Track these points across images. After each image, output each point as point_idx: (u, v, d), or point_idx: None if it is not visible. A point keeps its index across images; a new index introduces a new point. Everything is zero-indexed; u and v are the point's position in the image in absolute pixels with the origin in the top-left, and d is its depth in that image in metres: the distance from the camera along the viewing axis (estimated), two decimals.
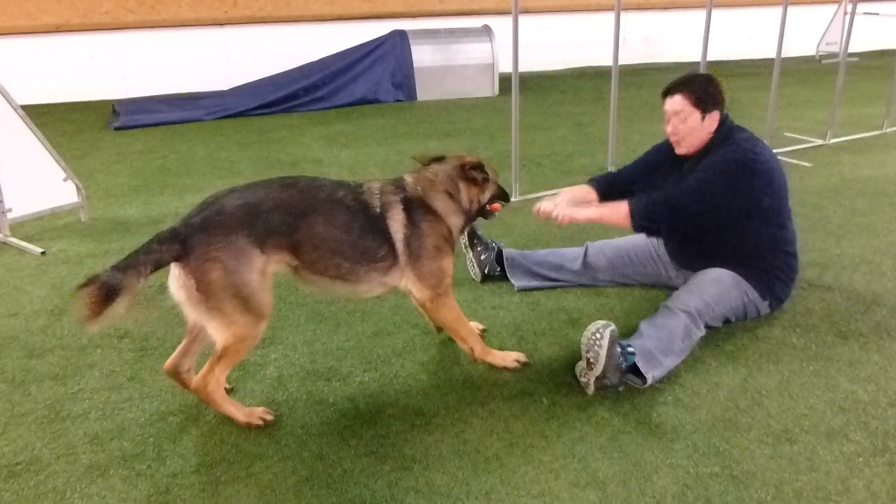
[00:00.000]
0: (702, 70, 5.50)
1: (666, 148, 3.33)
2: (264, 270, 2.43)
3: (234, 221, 2.38)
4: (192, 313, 2.40)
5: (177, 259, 2.33)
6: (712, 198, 2.96)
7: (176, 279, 2.36)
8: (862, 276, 3.63)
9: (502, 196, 2.97)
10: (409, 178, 2.75)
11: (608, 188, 3.37)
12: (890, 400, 2.60)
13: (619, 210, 3.04)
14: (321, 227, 2.51)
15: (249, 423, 2.50)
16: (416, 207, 2.66)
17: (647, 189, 3.32)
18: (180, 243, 2.32)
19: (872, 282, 3.56)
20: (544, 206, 3.13)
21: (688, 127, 3.05)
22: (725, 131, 3.08)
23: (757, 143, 3.08)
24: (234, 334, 2.39)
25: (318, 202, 2.53)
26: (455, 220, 2.78)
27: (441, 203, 2.73)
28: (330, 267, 2.56)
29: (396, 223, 2.61)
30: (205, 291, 2.32)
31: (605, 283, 3.54)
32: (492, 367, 2.86)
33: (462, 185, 2.79)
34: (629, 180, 3.40)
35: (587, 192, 3.38)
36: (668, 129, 3.12)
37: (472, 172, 2.79)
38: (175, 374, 2.60)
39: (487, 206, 2.91)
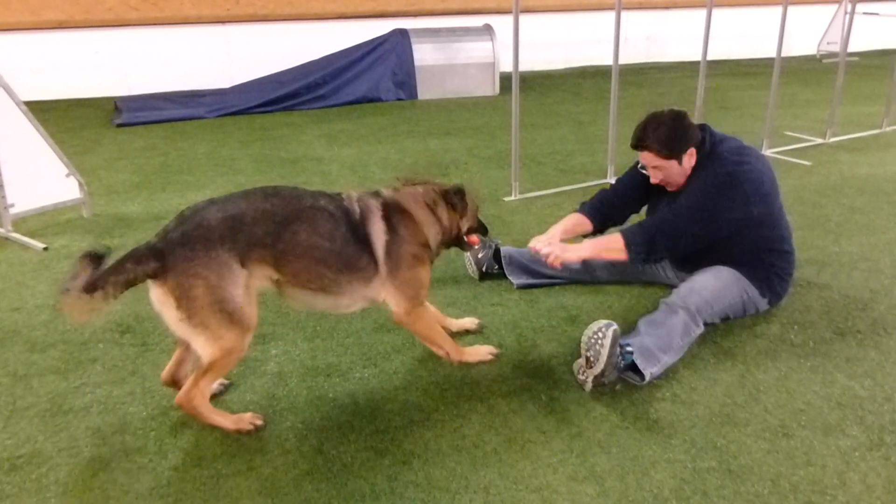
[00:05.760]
0: (702, 70, 5.52)
1: None
2: (248, 284, 2.38)
3: (216, 235, 2.31)
4: (176, 330, 2.34)
5: (153, 277, 2.26)
6: (705, 216, 2.96)
7: (156, 296, 2.30)
8: (860, 273, 3.65)
9: (481, 229, 2.97)
10: (386, 191, 2.74)
11: (601, 214, 3.35)
12: (886, 395, 2.62)
13: (613, 244, 3.03)
14: (305, 236, 2.45)
15: (239, 429, 2.47)
16: (394, 213, 2.64)
17: (640, 205, 3.32)
18: (158, 260, 2.25)
19: (870, 279, 3.58)
20: (537, 245, 3.10)
21: (667, 174, 3.06)
22: (707, 151, 3.05)
23: (742, 151, 3.06)
24: (221, 348, 2.34)
25: (301, 210, 2.48)
26: (433, 233, 2.75)
27: (420, 213, 2.71)
28: (313, 278, 2.51)
29: (377, 229, 2.59)
30: (187, 309, 2.26)
31: (605, 280, 3.55)
32: (468, 364, 2.87)
33: (442, 206, 2.78)
34: (621, 202, 3.37)
35: (578, 220, 3.34)
36: (651, 178, 3.12)
37: (453, 197, 2.78)
38: (173, 383, 2.57)
39: (465, 237, 2.90)
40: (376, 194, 2.70)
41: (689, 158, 3.03)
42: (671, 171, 3.04)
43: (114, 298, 2.20)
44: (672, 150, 2.99)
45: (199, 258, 2.27)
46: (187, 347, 2.53)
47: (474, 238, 2.95)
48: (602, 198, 3.42)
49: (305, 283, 2.52)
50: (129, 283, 2.24)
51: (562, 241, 3.15)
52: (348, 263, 2.54)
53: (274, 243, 2.41)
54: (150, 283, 2.30)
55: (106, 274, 2.20)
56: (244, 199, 2.46)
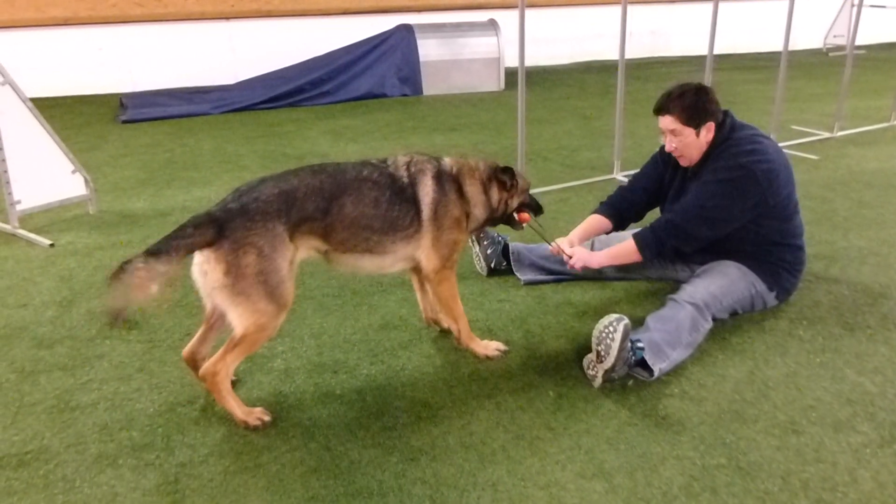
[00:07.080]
0: (708, 64, 5.48)
1: (665, 154, 3.33)
2: (293, 259, 2.48)
3: (273, 208, 2.42)
4: (217, 298, 2.40)
5: (210, 244, 2.33)
6: (716, 212, 2.99)
7: (203, 263, 2.37)
8: (869, 268, 3.63)
9: (534, 207, 3.02)
10: (447, 159, 2.83)
11: (619, 212, 3.39)
12: None
13: (627, 249, 3.11)
14: (351, 207, 2.57)
15: (247, 421, 2.48)
16: (447, 181, 2.75)
17: (657, 201, 3.35)
18: (216, 228, 2.34)
19: (879, 274, 3.55)
20: (560, 245, 3.17)
21: (683, 143, 3.06)
22: (726, 133, 3.06)
23: (757, 141, 3.05)
24: (255, 323, 2.40)
25: (346, 183, 2.60)
26: (478, 212, 2.84)
27: (472, 189, 2.82)
28: (360, 242, 2.63)
29: (426, 188, 2.70)
30: (234, 276, 2.33)
31: (611, 277, 3.53)
32: (474, 355, 2.90)
33: (493, 184, 2.87)
34: (637, 199, 3.40)
35: (597, 221, 3.38)
36: (666, 146, 3.12)
37: (502, 175, 2.86)
38: (192, 361, 2.62)
39: (515, 215, 2.96)
40: (433, 158, 2.80)
41: (707, 133, 3.04)
42: (687, 140, 3.05)
43: (177, 263, 2.27)
44: (691, 118, 3.01)
45: (257, 227, 2.37)
46: (211, 326, 2.60)
47: (525, 215, 3.00)
48: (619, 196, 3.46)
49: (352, 248, 2.64)
50: (190, 248, 2.33)
51: (581, 244, 3.25)
52: (393, 224, 2.65)
53: (323, 217, 2.54)
54: (198, 252, 2.38)
55: (168, 238, 2.29)
56: (295, 175, 2.58)
